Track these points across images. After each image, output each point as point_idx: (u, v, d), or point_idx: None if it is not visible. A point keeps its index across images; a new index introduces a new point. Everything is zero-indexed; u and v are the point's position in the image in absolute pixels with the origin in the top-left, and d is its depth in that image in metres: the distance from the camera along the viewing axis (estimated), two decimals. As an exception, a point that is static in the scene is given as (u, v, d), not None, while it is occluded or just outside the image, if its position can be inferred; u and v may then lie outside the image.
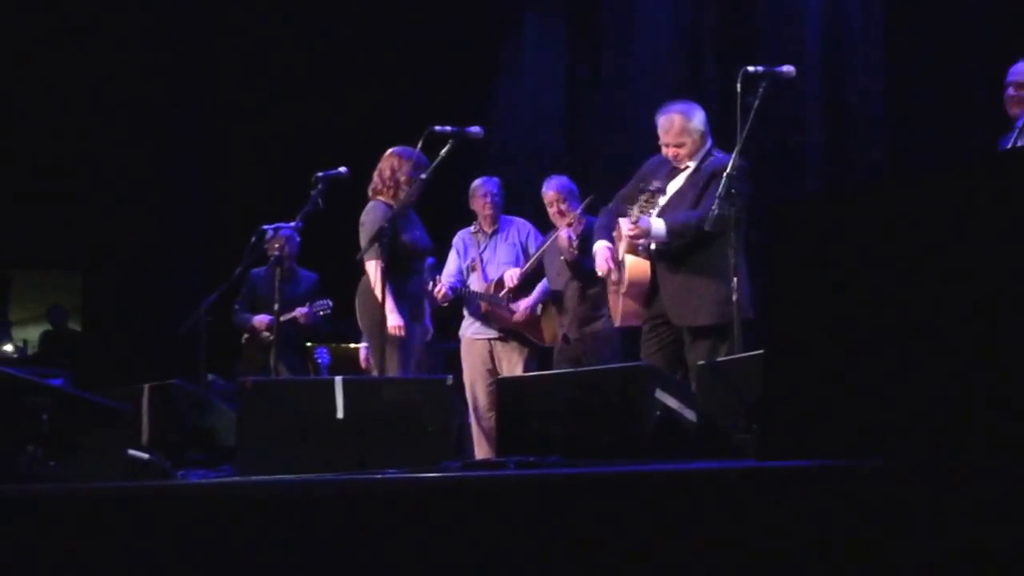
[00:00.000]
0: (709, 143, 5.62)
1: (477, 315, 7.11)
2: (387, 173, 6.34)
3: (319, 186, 6.29)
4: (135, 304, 10.22)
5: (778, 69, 5.31)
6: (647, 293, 5.55)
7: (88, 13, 10.39)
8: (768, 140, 7.78)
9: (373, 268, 6.11)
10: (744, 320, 5.29)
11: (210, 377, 7.65)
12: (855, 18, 7.47)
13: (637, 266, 5.54)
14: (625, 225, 5.46)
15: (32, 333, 11.82)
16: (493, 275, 7.08)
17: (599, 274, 5.80)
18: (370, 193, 6.41)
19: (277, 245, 7.24)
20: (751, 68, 5.24)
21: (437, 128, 5.54)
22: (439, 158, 5.54)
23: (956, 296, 1.95)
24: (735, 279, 5.13)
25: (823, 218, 2.28)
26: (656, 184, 5.47)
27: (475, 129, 5.81)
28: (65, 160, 10.58)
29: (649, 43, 9.07)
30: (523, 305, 6.96)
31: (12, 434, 3.84)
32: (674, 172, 5.64)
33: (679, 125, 5.56)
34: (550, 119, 9.87)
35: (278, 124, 10.58)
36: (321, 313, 7.78)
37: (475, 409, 7.01)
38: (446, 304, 7.09)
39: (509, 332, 7.04)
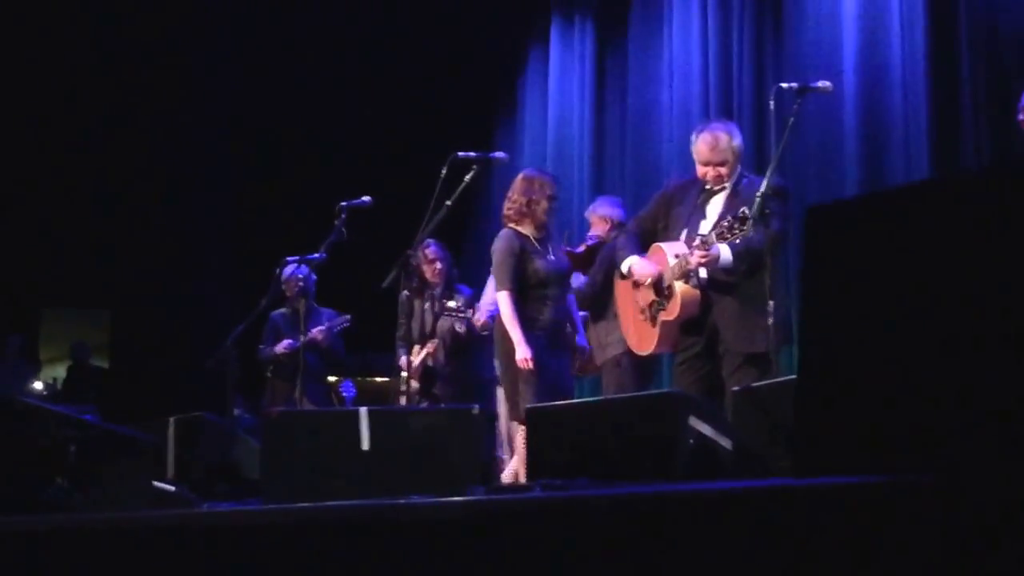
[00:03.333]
0: (740, 165, 5.53)
1: None
2: (514, 197, 6.08)
3: (342, 216, 6.26)
4: (162, 340, 10.24)
5: (813, 84, 5.24)
6: (692, 323, 5.41)
7: (114, 47, 10.45)
8: (805, 156, 7.73)
9: (504, 299, 5.94)
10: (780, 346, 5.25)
11: (236, 411, 7.63)
12: (894, 29, 7.35)
13: (690, 294, 5.37)
14: (695, 253, 5.21)
15: (61, 371, 11.83)
16: None
17: (645, 281, 5.52)
18: (503, 220, 6.19)
19: (295, 284, 7.23)
20: (785, 84, 5.18)
21: (461, 154, 5.49)
22: (463, 184, 5.49)
23: (998, 304, 1.88)
24: (771, 303, 5.03)
25: (858, 222, 2.21)
26: (744, 210, 5.09)
27: (500, 155, 5.77)
28: (94, 200, 10.63)
29: (679, 65, 9.03)
30: None
31: (41, 465, 3.85)
32: (706, 195, 5.50)
33: (725, 143, 5.44)
34: (577, 139, 9.82)
35: (302, 155, 10.61)
36: (340, 328, 7.70)
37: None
38: (486, 333, 7.00)
39: None
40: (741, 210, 5.04)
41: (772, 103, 5.20)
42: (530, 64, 10.50)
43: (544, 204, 6.00)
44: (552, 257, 6.10)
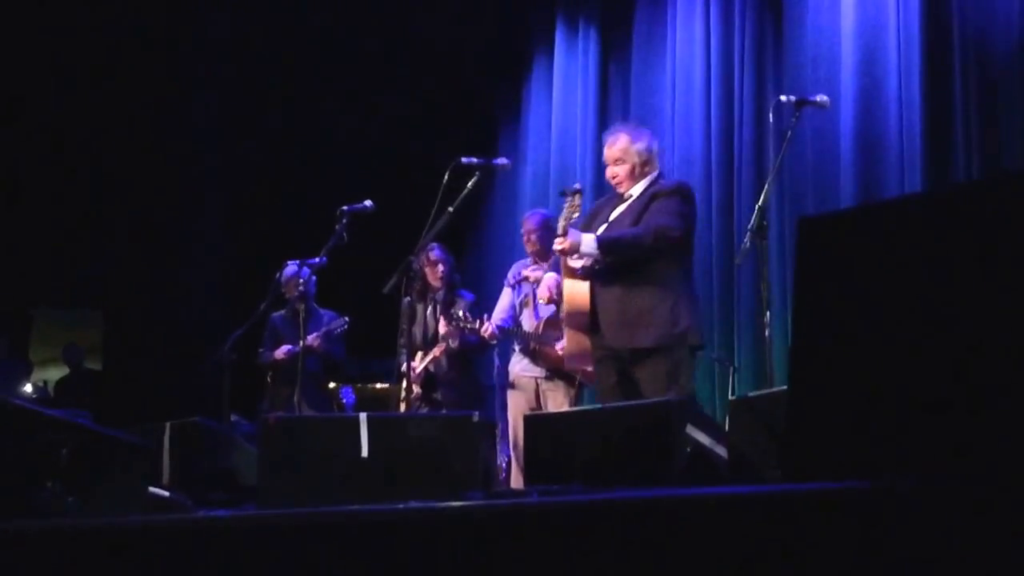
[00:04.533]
0: (656, 173, 5.44)
1: (526, 352, 6.92)
2: None
3: (343, 220, 6.24)
4: (157, 342, 10.20)
5: (812, 98, 5.25)
6: (588, 322, 5.28)
7: (110, 51, 10.44)
8: (803, 168, 7.75)
9: None
10: (691, 346, 5.23)
11: (233, 417, 7.58)
12: (891, 46, 7.40)
13: (575, 289, 5.29)
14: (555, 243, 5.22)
15: (53, 373, 11.76)
16: (544, 312, 6.83)
17: (542, 300, 5.65)
18: None
19: (295, 286, 7.18)
20: (784, 98, 5.18)
21: (464, 160, 5.47)
22: (466, 190, 5.48)
23: (988, 315, 1.89)
24: (678, 301, 5.04)
25: (849, 233, 2.22)
26: (577, 185, 5.24)
27: (502, 161, 5.75)
28: (86, 198, 10.60)
29: (682, 76, 9.04)
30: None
31: (32, 470, 3.81)
32: (619, 202, 5.44)
33: (623, 144, 5.38)
34: (579, 146, 9.82)
35: (302, 158, 10.59)
36: (337, 331, 7.66)
37: (515, 447, 6.87)
38: (495, 343, 6.97)
39: (556, 371, 6.85)
40: (574, 184, 5.25)
41: (771, 116, 5.21)
42: (534, 71, 10.50)
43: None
44: None
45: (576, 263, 5.25)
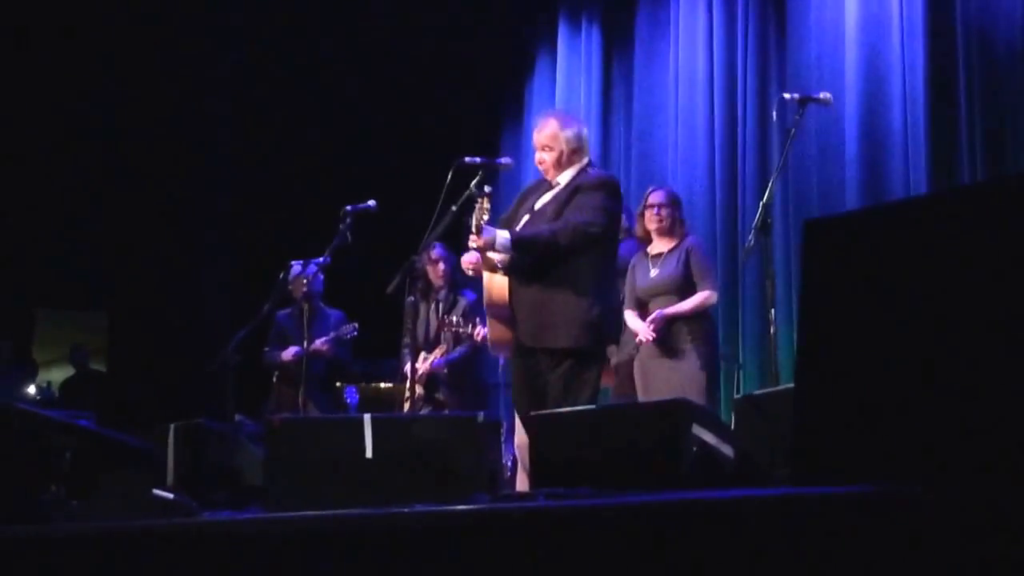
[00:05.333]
0: (585, 161, 5.32)
1: None
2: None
3: (347, 220, 6.23)
4: (161, 343, 10.18)
5: (815, 95, 5.24)
6: (509, 315, 5.17)
7: (113, 44, 10.42)
8: (806, 166, 7.74)
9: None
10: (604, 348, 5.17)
11: (238, 417, 7.57)
12: (895, 43, 7.39)
13: (494, 283, 5.18)
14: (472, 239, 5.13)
15: (56, 374, 11.76)
16: None
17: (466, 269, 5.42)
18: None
19: (302, 284, 7.15)
20: (787, 95, 5.17)
21: (467, 159, 5.45)
22: (469, 190, 5.46)
23: (995, 317, 1.89)
24: (594, 303, 4.97)
25: (855, 235, 2.22)
26: (487, 188, 5.11)
27: (505, 160, 5.73)
28: (90, 198, 10.59)
29: (685, 73, 9.04)
30: None
31: (36, 473, 3.81)
32: (546, 190, 5.34)
33: (552, 130, 5.26)
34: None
35: (306, 158, 10.58)
36: (347, 336, 7.63)
37: (519, 447, 6.84)
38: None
39: None
40: (485, 188, 5.08)
41: (775, 113, 5.19)
42: (537, 69, 10.49)
43: None
44: None
45: (496, 256, 5.15)
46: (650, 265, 6.43)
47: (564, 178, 5.26)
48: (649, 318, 6.21)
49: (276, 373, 7.85)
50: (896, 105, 7.33)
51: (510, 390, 6.93)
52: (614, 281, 5.46)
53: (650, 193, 6.59)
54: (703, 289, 6.24)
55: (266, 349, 7.87)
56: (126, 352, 10.80)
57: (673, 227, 6.43)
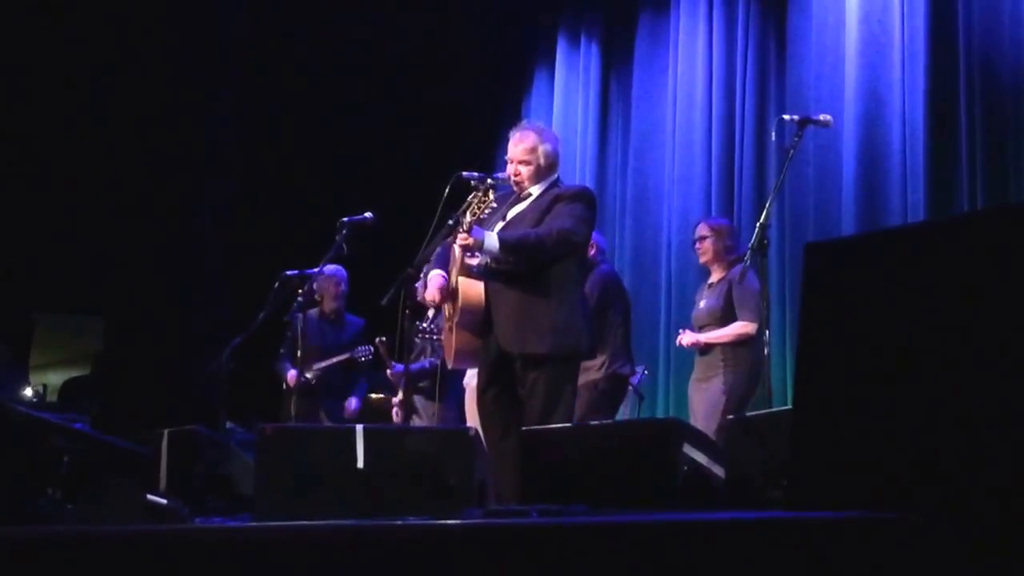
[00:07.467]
0: (556, 175, 5.42)
1: None
2: None
3: (343, 231, 6.24)
4: (157, 349, 10.17)
5: (814, 117, 5.26)
6: (481, 321, 5.18)
7: (114, 50, 10.43)
8: (804, 188, 7.75)
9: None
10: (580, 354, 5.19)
11: (229, 425, 7.55)
12: (895, 66, 7.40)
13: (470, 287, 5.19)
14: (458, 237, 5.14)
15: (52, 378, 11.71)
16: None
17: (429, 302, 5.48)
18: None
19: (334, 284, 7.13)
20: (787, 116, 5.19)
21: (464, 174, 5.46)
22: (466, 204, 5.48)
23: (993, 343, 1.90)
24: (573, 310, 5.04)
25: (856, 260, 2.23)
26: (491, 180, 5.17)
27: (502, 174, 5.74)
28: (89, 204, 10.57)
29: (684, 92, 9.06)
30: None
31: (32, 476, 3.80)
32: (516, 200, 5.41)
33: (531, 143, 5.35)
34: (579, 160, 9.83)
35: (303, 169, 10.58)
36: (362, 359, 7.60)
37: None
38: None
39: None
40: (487, 180, 5.14)
41: (773, 133, 5.21)
42: (535, 85, 10.52)
43: None
44: None
45: (472, 260, 5.19)
46: (703, 294, 6.66)
47: (536, 190, 5.35)
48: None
49: (286, 384, 7.73)
50: (895, 128, 7.32)
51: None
52: (583, 288, 5.52)
53: (695, 226, 6.84)
54: (741, 319, 6.37)
55: (281, 352, 7.77)
56: (122, 357, 10.77)
57: (717, 257, 6.59)
